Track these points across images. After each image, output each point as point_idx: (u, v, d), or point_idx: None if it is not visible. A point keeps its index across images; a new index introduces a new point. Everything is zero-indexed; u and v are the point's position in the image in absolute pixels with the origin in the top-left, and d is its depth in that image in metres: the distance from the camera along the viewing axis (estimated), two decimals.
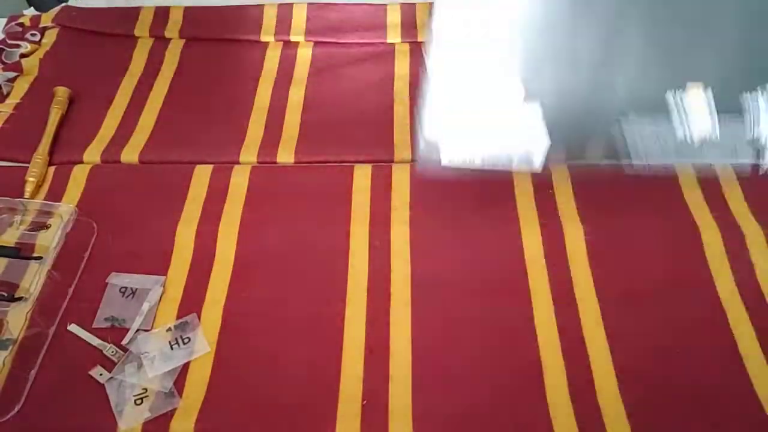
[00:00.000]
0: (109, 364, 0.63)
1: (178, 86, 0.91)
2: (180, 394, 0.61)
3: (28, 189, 0.77)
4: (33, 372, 0.62)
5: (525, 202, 0.75)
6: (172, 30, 0.98)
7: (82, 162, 0.82)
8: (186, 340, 0.64)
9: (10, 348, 0.63)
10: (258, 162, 0.81)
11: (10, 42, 0.96)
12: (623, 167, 0.62)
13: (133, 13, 1.00)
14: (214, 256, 0.72)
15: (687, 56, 0.62)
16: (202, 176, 0.79)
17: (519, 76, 0.61)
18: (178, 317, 0.67)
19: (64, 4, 1.03)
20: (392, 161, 0.81)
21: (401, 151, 0.81)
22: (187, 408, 0.60)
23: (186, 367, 0.63)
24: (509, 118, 0.62)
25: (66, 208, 0.73)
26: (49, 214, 0.74)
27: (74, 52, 0.96)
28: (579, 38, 0.61)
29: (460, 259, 0.71)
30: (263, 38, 0.97)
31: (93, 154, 0.82)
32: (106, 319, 0.66)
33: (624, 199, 0.76)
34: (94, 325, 0.66)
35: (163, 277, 0.69)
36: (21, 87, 0.91)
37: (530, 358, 0.63)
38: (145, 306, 0.67)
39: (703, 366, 0.63)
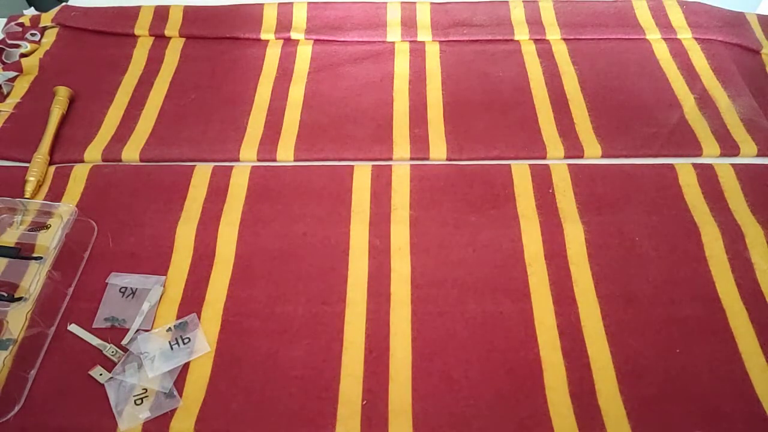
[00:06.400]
0: (109, 364, 0.63)
1: (178, 84, 0.91)
2: (180, 394, 0.61)
3: (29, 189, 0.77)
4: (33, 372, 0.62)
5: (525, 201, 0.75)
6: (171, 29, 0.97)
7: (83, 161, 0.82)
8: (186, 340, 0.64)
9: (10, 348, 0.63)
10: (258, 160, 0.81)
11: (10, 42, 0.96)
12: None
13: (133, 12, 1.00)
14: (214, 255, 0.72)
15: None
16: (202, 176, 0.79)
17: None
18: (178, 317, 0.67)
19: (63, 4, 1.03)
20: (391, 159, 0.81)
21: (400, 149, 0.81)
22: (187, 408, 0.60)
23: (186, 367, 0.63)
24: None
25: (66, 208, 0.73)
26: (49, 214, 0.74)
27: (74, 52, 0.96)
28: None
29: (460, 259, 0.71)
30: (263, 36, 0.97)
31: (94, 152, 0.82)
32: (106, 319, 0.66)
33: (624, 199, 0.76)
34: (94, 325, 0.66)
35: (163, 277, 0.69)
36: (21, 86, 0.91)
37: (530, 358, 0.63)
38: (145, 306, 0.67)
39: (703, 366, 0.63)
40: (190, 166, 0.80)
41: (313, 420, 0.60)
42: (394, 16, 0.99)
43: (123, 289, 0.68)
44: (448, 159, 0.81)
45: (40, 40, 0.98)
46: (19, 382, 0.62)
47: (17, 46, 0.96)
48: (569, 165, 0.79)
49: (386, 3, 1.01)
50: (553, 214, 0.74)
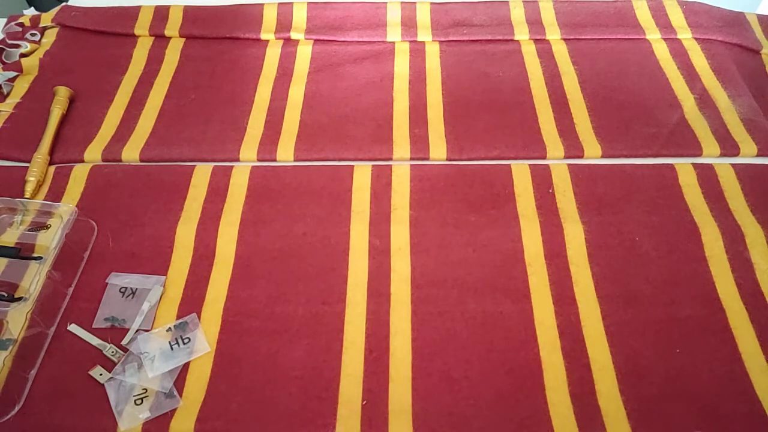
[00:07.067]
0: (109, 364, 0.63)
1: (178, 84, 0.91)
2: (180, 394, 0.61)
3: (29, 189, 0.77)
4: (33, 372, 0.62)
5: (525, 201, 0.75)
6: (171, 29, 0.97)
7: (83, 161, 0.82)
8: (186, 340, 0.64)
9: (10, 348, 0.63)
10: (258, 160, 0.81)
11: (10, 42, 0.96)
12: None
13: (133, 12, 1.00)
14: (214, 255, 0.72)
15: None
16: (202, 176, 0.79)
17: None
18: (178, 317, 0.67)
19: (63, 4, 1.03)
20: (391, 159, 0.81)
21: (400, 149, 0.81)
22: (187, 408, 0.60)
23: (186, 367, 0.63)
24: None
25: (66, 208, 0.73)
26: (49, 214, 0.74)
27: (74, 52, 0.96)
28: None
29: (460, 259, 0.71)
30: (263, 36, 0.97)
31: (94, 152, 0.82)
32: (106, 319, 0.66)
33: (624, 199, 0.76)
34: (94, 325, 0.66)
35: (163, 277, 0.69)
36: (21, 86, 0.91)
37: (530, 358, 0.63)
38: (145, 306, 0.67)
39: (703, 366, 0.63)
40: (190, 166, 0.80)
41: (313, 420, 0.60)
42: (394, 16, 0.99)
43: (123, 289, 0.68)
44: (448, 159, 0.81)
45: (40, 40, 0.98)
46: (19, 382, 0.62)
47: (17, 46, 0.96)
48: (569, 165, 0.79)
49: (386, 3, 1.01)
50: (553, 214, 0.74)
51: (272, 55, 0.95)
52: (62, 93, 0.87)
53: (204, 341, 0.65)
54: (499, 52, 0.95)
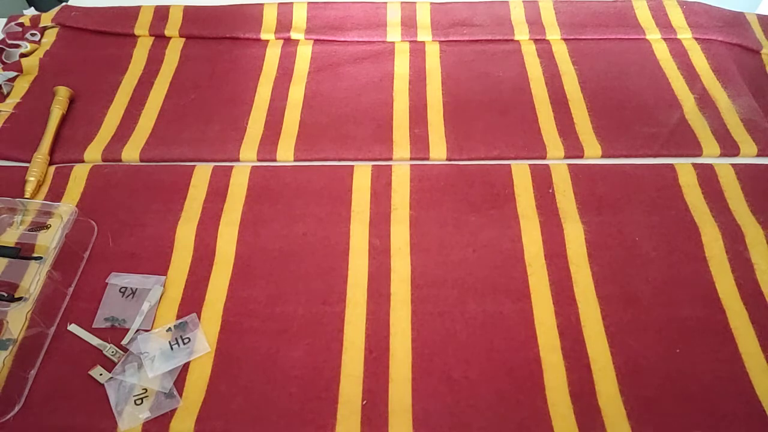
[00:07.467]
0: (109, 364, 0.63)
1: (178, 85, 0.91)
2: (180, 394, 0.61)
3: (29, 189, 0.77)
4: (33, 372, 0.62)
5: (525, 201, 0.75)
6: (172, 29, 0.97)
7: (83, 161, 0.82)
8: (186, 340, 0.64)
9: (10, 348, 0.63)
10: (258, 160, 0.81)
11: (10, 42, 0.96)
12: None
13: (133, 12, 1.00)
14: (214, 255, 0.72)
15: None
16: (202, 176, 0.79)
17: None
18: (178, 317, 0.67)
19: (63, 4, 1.03)
20: (391, 159, 0.81)
21: (400, 149, 0.81)
22: (187, 408, 0.60)
23: (186, 367, 0.63)
24: None
25: (66, 208, 0.73)
26: (49, 214, 0.74)
27: (74, 52, 0.96)
28: None
29: (460, 259, 0.71)
30: (263, 36, 0.97)
31: (94, 152, 0.82)
32: (106, 319, 0.66)
33: (624, 199, 0.76)
34: (94, 325, 0.66)
35: (163, 277, 0.69)
36: (21, 87, 0.91)
37: (530, 359, 0.63)
38: (145, 306, 0.67)
39: (703, 366, 0.63)
40: (190, 166, 0.80)
41: (313, 420, 0.60)
42: (394, 16, 0.99)
43: (123, 289, 0.68)
44: (448, 159, 0.81)
45: (40, 40, 0.98)
46: (19, 382, 0.62)
47: (17, 46, 0.96)
48: (569, 165, 0.79)
49: (386, 3, 1.01)
50: (553, 214, 0.74)
51: (272, 55, 0.95)
52: (62, 93, 0.87)
53: (204, 341, 0.65)
54: (499, 52, 0.95)
